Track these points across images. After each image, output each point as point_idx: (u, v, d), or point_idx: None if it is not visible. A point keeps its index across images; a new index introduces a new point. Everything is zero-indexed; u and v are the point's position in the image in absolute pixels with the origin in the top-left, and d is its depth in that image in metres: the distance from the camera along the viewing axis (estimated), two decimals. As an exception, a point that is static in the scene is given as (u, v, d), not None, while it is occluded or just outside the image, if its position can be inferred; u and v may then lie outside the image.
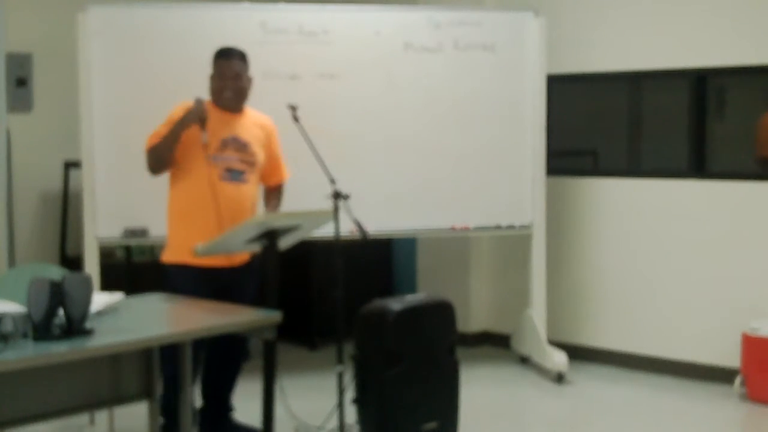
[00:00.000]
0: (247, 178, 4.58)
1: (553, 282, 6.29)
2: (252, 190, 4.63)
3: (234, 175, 4.53)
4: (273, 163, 4.79)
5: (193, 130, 4.46)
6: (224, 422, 4.73)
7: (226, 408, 4.76)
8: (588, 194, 6.42)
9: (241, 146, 4.58)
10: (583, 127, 6.63)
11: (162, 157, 4.49)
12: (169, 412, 4.30)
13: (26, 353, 3.14)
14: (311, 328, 6.79)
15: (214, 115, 4.54)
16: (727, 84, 6.05)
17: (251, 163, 4.60)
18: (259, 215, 4.17)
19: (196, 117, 4.42)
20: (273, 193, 4.85)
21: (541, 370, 6.14)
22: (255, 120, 4.72)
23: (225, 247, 4.29)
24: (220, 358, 4.69)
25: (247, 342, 4.91)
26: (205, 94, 4.70)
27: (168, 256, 4.59)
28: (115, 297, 3.85)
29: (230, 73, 4.59)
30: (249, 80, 4.69)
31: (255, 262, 4.62)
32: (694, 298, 6.00)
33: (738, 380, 5.61)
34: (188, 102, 4.54)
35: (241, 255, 4.56)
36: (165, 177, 4.63)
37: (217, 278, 4.46)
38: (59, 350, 3.21)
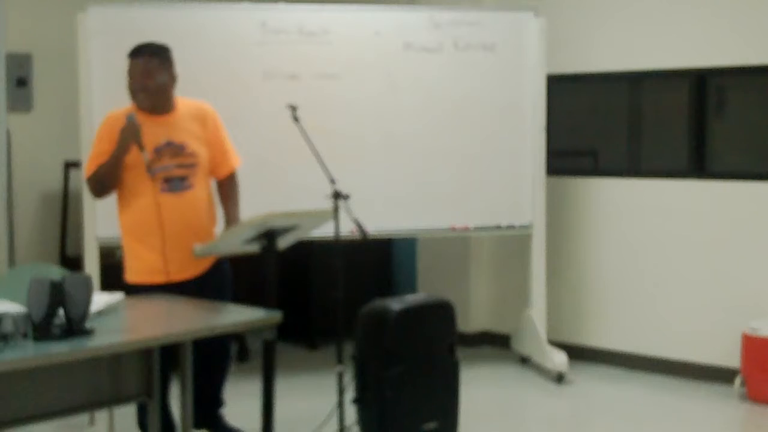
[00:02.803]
0: (191, 183, 4.36)
1: (553, 282, 6.29)
2: (201, 194, 4.42)
3: (174, 184, 4.32)
4: (218, 153, 4.51)
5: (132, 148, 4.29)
6: (214, 418, 4.69)
7: (216, 403, 4.70)
8: (588, 194, 6.42)
9: (176, 150, 4.35)
10: (583, 127, 6.63)
11: (105, 183, 4.34)
12: (144, 426, 4.29)
13: (26, 353, 3.14)
14: (311, 328, 6.79)
15: (143, 121, 4.30)
16: (727, 84, 6.05)
17: (192, 165, 4.37)
18: (257, 215, 4.13)
19: (130, 139, 4.21)
20: (226, 186, 4.58)
21: (541, 370, 6.13)
22: (189, 113, 4.45)
23: (223, 248, 4.28)
24: (205, 357, 4.60)
25: (228, 338, 4.82)
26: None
27: (130, 277, 4.42)
28: (115, 297, 3.85)
29: (139, 72, 4.31)
30: (170, 76, 4.39)
31: (224, 263, 4.52)
32: (694, 298, 6.00)
33: (738, 380, 5.61)
34: (116, 113, 4.39)
35: (203, 263, 4.42)
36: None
37: (183, 292, 4.26)
38: (59, 350, 3.21)
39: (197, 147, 4.41)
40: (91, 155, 4.43)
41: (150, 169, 4.29)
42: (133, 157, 4.30)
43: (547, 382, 5.96)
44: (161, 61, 4.36)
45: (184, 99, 4.48)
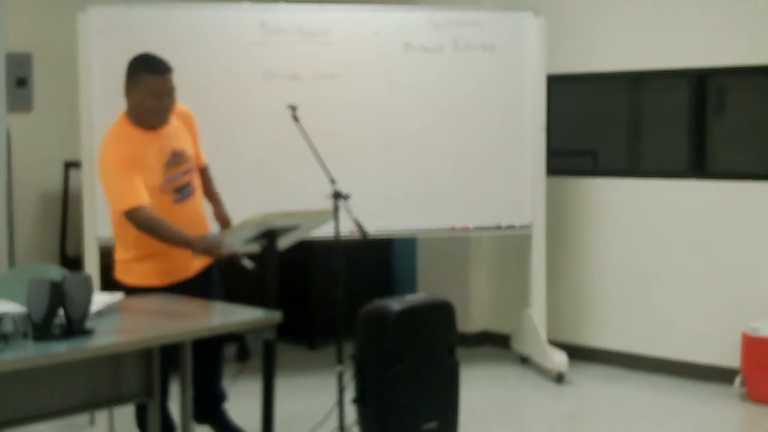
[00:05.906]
0: (194, 187, 4.39)
1: (553, 282, 6.29)
2: (200, 195, 4.47)
3: (183, 193, 4.32)
4: (196, 149, 4.50)
5: (149, 163, 4.18)
6: (217, 413, 4.68)
7: (218, 396, 4.68)
8: (588, 194, 6.42)
9: (179, 158, 4.31)
10: (583, 127, 6.63)
11: (152, 236, 4.15)
12: (144, 425, 4.28)
13: (26, 353, 3.14)
14: (311, 328, 6.79)
15: (143, 138, 4.21)
16: (727, 84, 6.05)
17: (191, 170, 4.39)
18: (257, 215, 4.12)
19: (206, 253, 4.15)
20: (206, 180, 4.55)
21: (541, 370, 6.14)
22: (177, 116, 4.37)
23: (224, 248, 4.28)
24: (197, 352, 4.58)
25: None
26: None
27: (132, 279, 4.30)
28: (115, 297, 3.85)
29: (167, 91, 4.19)
30: None
31: (213, 268, 4.49)
32: (694, 298, 6.00)
33: (738, 380, 5.61)
34: (116, 133, 4.23)
35: (196, 265, 4.39)
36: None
37: (178, 292, 4.24)
38: (59, 350, 3.21)
39: (190, 149, 4.41)
40: (124, 188, 4.11)
41: (162, 183, 4.23)
42: (149, 179, 4.19)
43: (547, 382, 5.97)
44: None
45: None
